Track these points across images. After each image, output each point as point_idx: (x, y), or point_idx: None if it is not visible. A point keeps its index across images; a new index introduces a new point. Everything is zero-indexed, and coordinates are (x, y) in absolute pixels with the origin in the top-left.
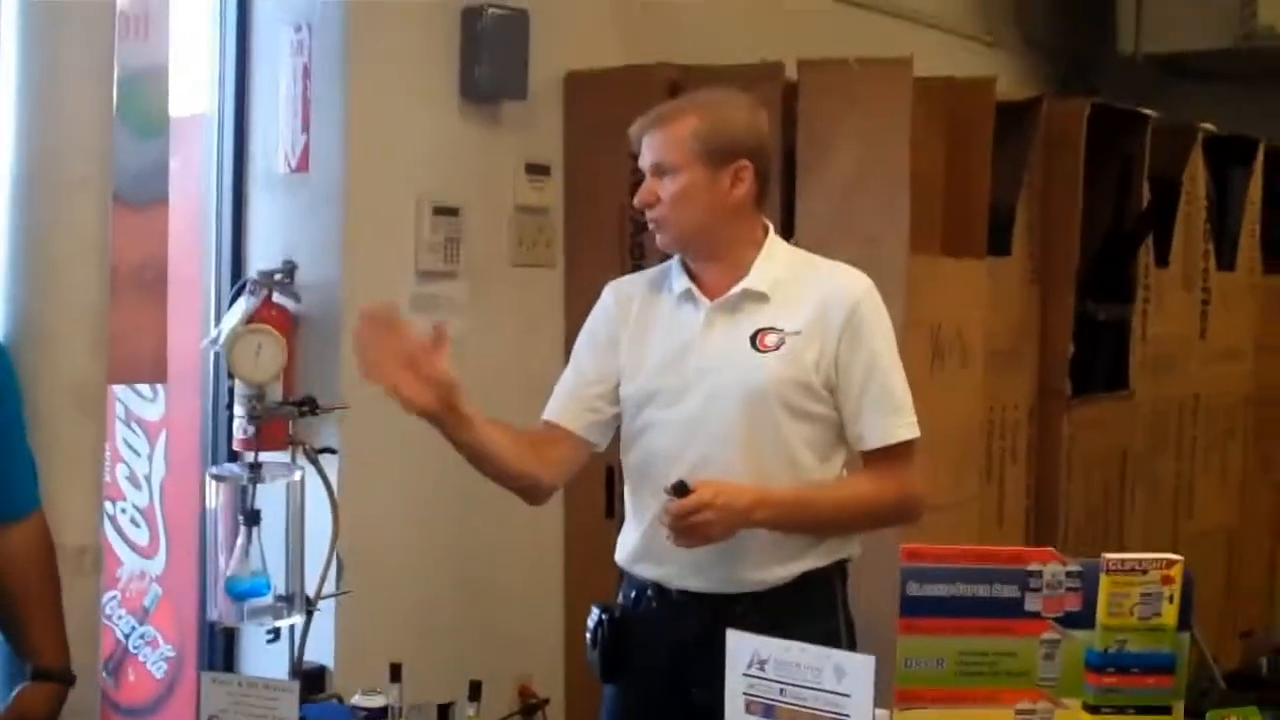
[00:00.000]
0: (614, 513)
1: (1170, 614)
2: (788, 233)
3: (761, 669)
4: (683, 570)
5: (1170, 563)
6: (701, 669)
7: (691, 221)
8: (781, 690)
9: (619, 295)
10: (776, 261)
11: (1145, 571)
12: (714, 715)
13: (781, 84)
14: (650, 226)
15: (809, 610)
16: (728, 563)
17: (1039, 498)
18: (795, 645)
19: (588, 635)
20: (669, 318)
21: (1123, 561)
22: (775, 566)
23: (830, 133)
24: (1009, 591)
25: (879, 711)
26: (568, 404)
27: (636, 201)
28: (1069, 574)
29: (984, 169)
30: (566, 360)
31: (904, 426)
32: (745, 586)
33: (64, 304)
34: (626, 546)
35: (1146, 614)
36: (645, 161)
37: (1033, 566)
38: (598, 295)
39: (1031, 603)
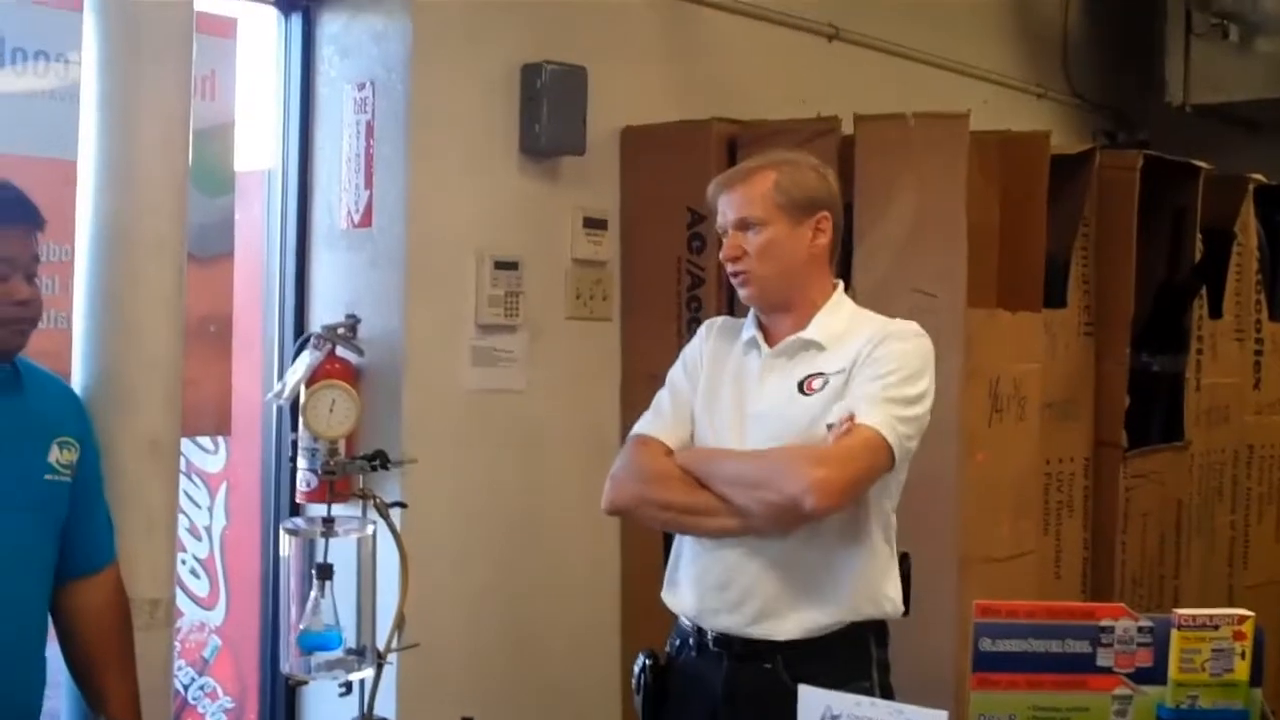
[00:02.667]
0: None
1: (1242, 669)
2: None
3: None
4: (722, 607)
5: (1242, 618)
6: (740, 716)
7: (775, 273)
8: None
9: (708, 332)
10: (838, 316)
11: (1217, 627)
12: None
13: (838, 139)
14: (734, 280)
15: (839, 669)
16: (757, 601)
17: (1095, 550)
18: (866, 700)
19: (633, 681)
20: (736, 363)
21: (1194, 617)
22: (801, 614)
23: (887, 187)
24: (1081, 647)
25: None
26: (669, 421)
27: (723, 256)
28: (1140, 629)
29: (1039, 222)
30: (623, 411)
31: (871, 422)
32: (775, 633)
33: (140, 360)
34: (674, 587)
35: (1218, 670)
36: (727, 219)
37: (1105, 622)
38: (653, 347)
39: (1103, 658)
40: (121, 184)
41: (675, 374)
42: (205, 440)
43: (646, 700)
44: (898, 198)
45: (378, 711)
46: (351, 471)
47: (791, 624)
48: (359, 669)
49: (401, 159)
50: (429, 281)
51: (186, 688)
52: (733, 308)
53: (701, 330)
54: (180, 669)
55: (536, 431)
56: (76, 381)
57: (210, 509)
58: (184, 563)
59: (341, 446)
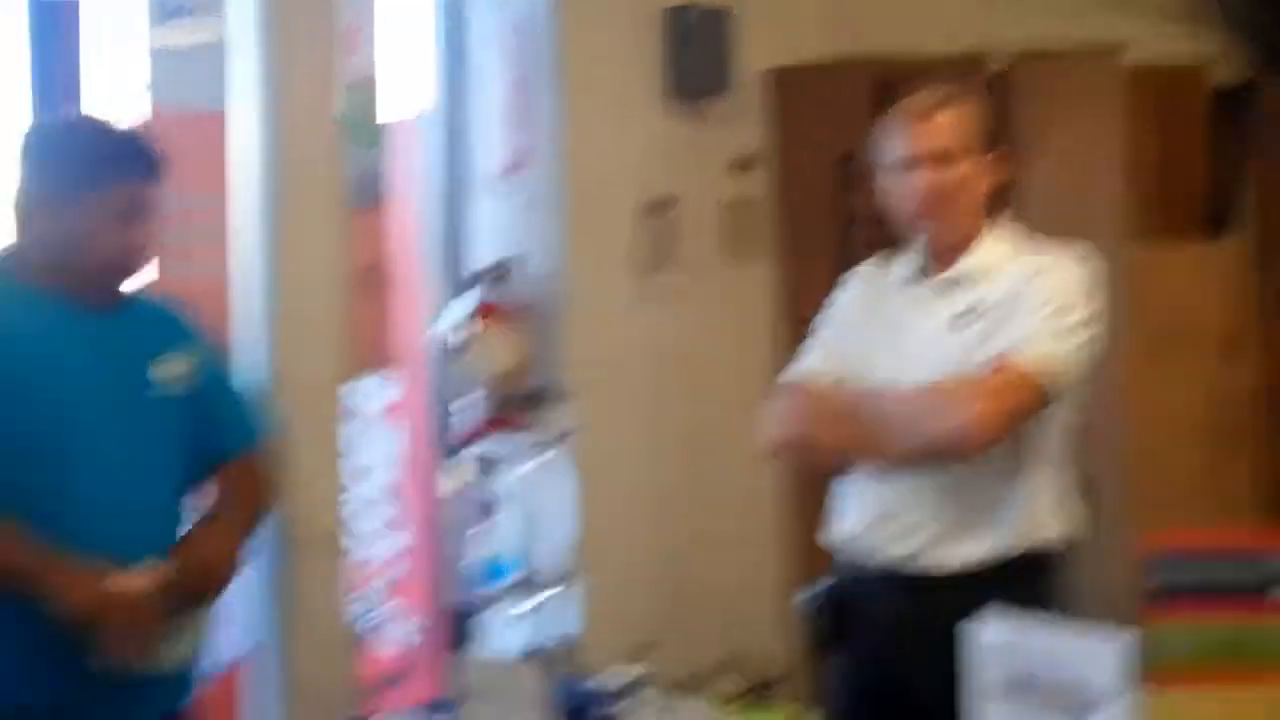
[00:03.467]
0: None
1: None
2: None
3: (1007, 651)
4: (886, 540)
5: None
6: (903, 649)
7: (962, 207)
8: (1025, 674)
9: (857, 275)
10: (1000, 248)
11: None
12: (925, 694)
13: (990, 75)
14: (916, 216)
15: (1011, 597)
16: (923, 533)
17: (1268, 484)
18: (1040, 627)
19: (804, 611)
20: (892, 299)
21: None
22: (966, 546)
23: (1042, 124)
24: (1255, 576)
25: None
26: (824, 361)
27: (907, 190)
28: None
29: (1199, 155)
30: (776, 350)
31: (1028, 356)
32: (942, 564)
33: (309, 306)
34: (838, 522)
35: None
36: (908, 152)
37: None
38: (806, 286)
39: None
40: (275, 136)
41: (828, 314)
42: (374, 379)
43: (818, 630)
44: (1053, 135)
45: (551, 637)
46: (517, 408)
47: (958, 555)
48: (534, 596)
49: (553, 104)
50: (584, 224)
51: (368, 615)
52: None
53: (850, 275)
54: (362, 599)
55: (692, 371)
56: (245, 325)
57: (378, 446)
58: (354, 498)
59: (506, 384)
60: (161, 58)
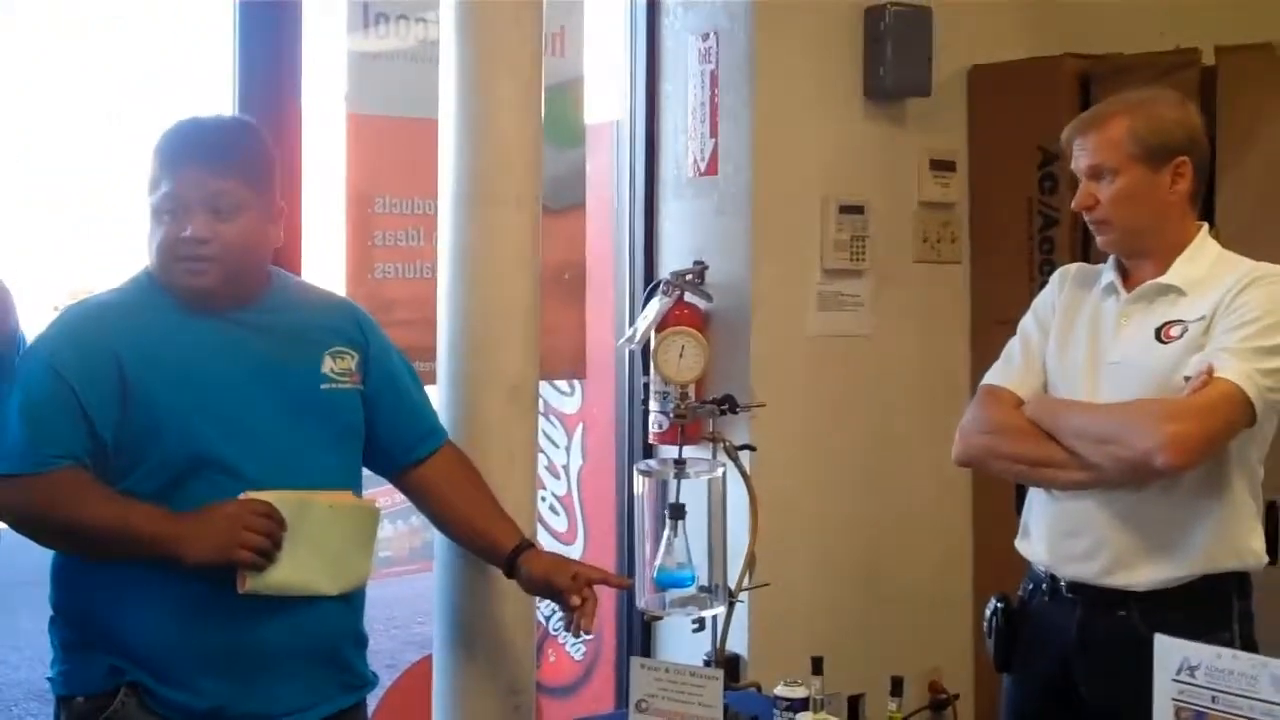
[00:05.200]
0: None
1: None
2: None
3: (1191, 675)
4: (1074, 556)
5: None
6: (1087, 666)
7: (1132, 221)
8: (1213, 698)
9: (1061, 279)
10: (1200, 260)
11: None
12: (1107, 711)
13: (1198, 71)
14: (1091, 228)
15: (1197, 620)
16: (1110, 551)
17: None
18: (1227, 652)
19: (984, 625)
20: (1091, 309)
21: None
22: (1155, 565)
23: (1251, 120)
24: None
25: None
26: (1020, 371)
27: (1075, 205)
28: None
29: None
30: (972, 356)
31: (1232, 373)
32: (1129, 583)
33: (500, 309)
34: (1028, 534)
35: None
36: (1079, 165)
37: None
38: (1003, 290)
39: None
40: (479, 140)
41: (1027, 322)
42: (562, 383)
43: (999, 643)
44: (1263, 132)
45: (729, 648)
46: (701, 415)
47: (1145, 575)
48: (711, 606)
49: (746, 107)
50: (775, 227)
51: (547, 619)
52: (1087, 250)
53: (1055, 277)
54: (541, 601)
55: (883, 377)
56: (441, 328)
57: (567, 448)
58: (543, 499)
59: (691, 390)
60: (359, 62)
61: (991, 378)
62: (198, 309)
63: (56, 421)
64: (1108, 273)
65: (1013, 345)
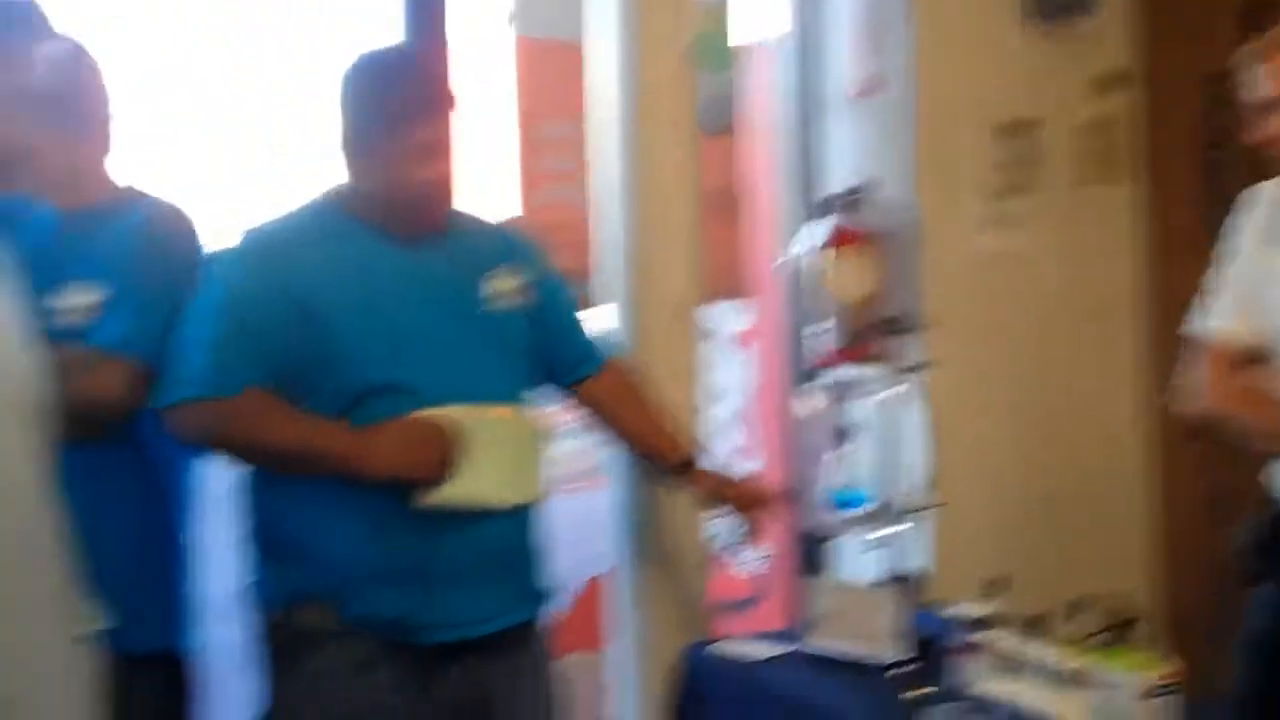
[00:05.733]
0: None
1: None
2: None
3: None
4: None
5: None
6: None
7: None
8: None
9: (1263, 194)
10: None
11: None
12: None
13: None
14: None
15: None
16: None
17: None
18: None
19: (1239, 541)
20: None
21: None
22: None
23: None
24: None
25: None
26: (1237, 314)
27: (1255, 138)
28: None
29: None
30: (1137, 275)
31: None
32: None
33: (663, 231)
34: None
35: None
36: (1261, 92)
37: None
38: (1170, 212)
39: None
40: (632, 64)
41: (1231, 245)
42: (727, 303)
43: (1245, 563)
44: None
45: (910, 567)
46: (874, 334)
47: None
48: (885, 526)
49: (908, 25)
50: (939, 147)
51: (719, 536)
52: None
53: (1254, 194)
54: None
55: (1051, 296)
56: (603, 250)
57: (735, 368)
58: (711, 420)
59: (861, 310)
60: None
61: (1206, 323)
62: (390, 238)
63: (239, 345)
64: None
65: (1222, 282)
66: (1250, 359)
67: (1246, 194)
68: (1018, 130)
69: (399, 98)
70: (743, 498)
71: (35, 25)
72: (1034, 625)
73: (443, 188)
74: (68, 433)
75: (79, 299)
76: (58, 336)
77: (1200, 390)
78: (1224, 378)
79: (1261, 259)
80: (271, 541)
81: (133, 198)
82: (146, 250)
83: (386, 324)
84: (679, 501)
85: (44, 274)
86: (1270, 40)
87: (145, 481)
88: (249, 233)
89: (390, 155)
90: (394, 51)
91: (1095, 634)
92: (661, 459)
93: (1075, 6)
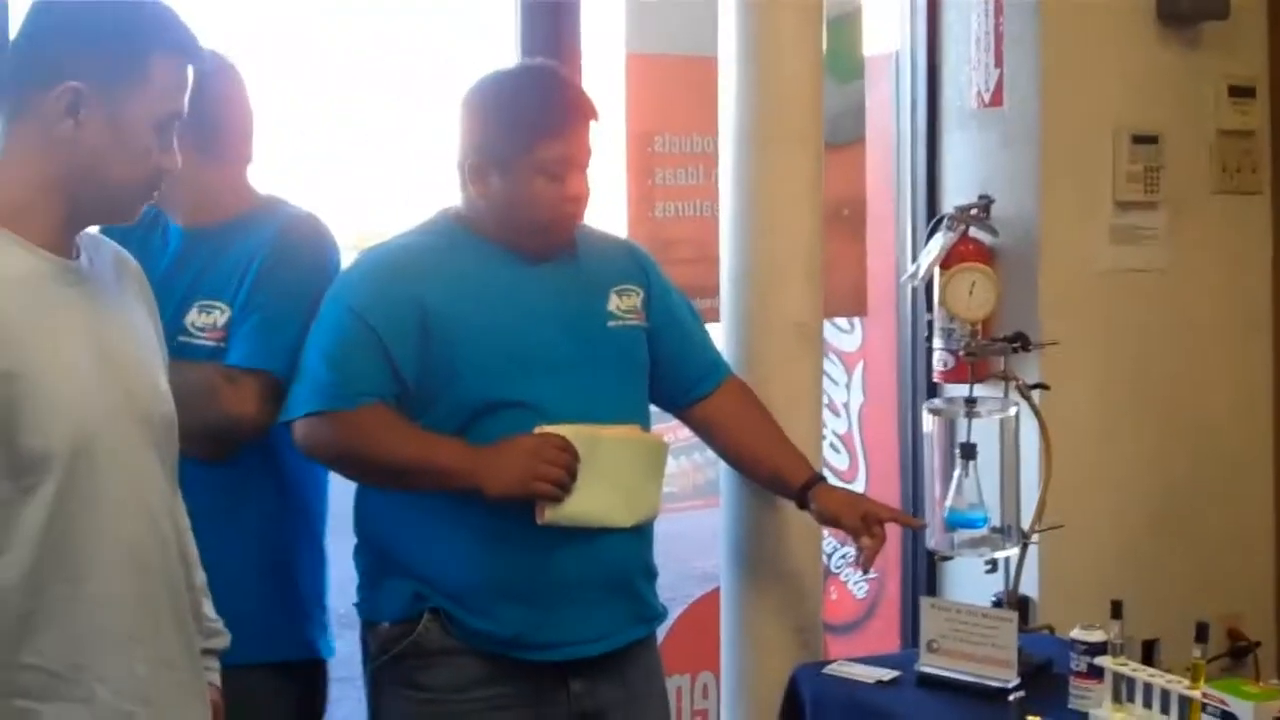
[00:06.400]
0: None
1: None
2: None
3: None
4: None
5: None
6: None
7: None
8: None
9: None
10: None
11: None
12: None
13: None
14: None
15: None
16: None
17: None
18: None
19: None
20: None
21: None
22: None
23: None
24: None
25: None
26: None
27: None
28: None
29: None
30: (1275, 289)
31: None
32: None
33: (784, 246)
34: None
35: None
36: None
37: None
38: None
39: None
40: (760, 77)
41: None
42: (841, 320)
43: None
44: None
45: (1021, 590)
46: (992, 353)
47: None
48: (1003, 548)
49: (1032, 34)
50: (1064, 159)
51: (830, 556)
52: None
53: None
54: (825, 539)
55: (1180, 312)
56: (724, 267)
57: (848, 386)
58: (824, 438)
59: (979, 327)
60: (637, 3)
61: None
62: (513, 257)
63: (361, 361)
64: None
65: None
66: None
67: None
68: (1147, 140)
69: (536, 111)
70: (866, 521)
71: (186, 43)
72: (1150, 649)
73: (578, 205)
74: (204, 451)
75: (210, 317)
76: (192, 355)
77: None
78: None
79: None
80: (386, 556)
81: (269, 209)
82: (276, 263)
83: (509, 340)
84: (791, 520)
85: (174, 292)
86: None
87: (281, 496)
88: (369, 250)
89: (524, 171)
90: (528, 68)
91: (1216, 657)
92: (783, 479)
93: (1208, 10)
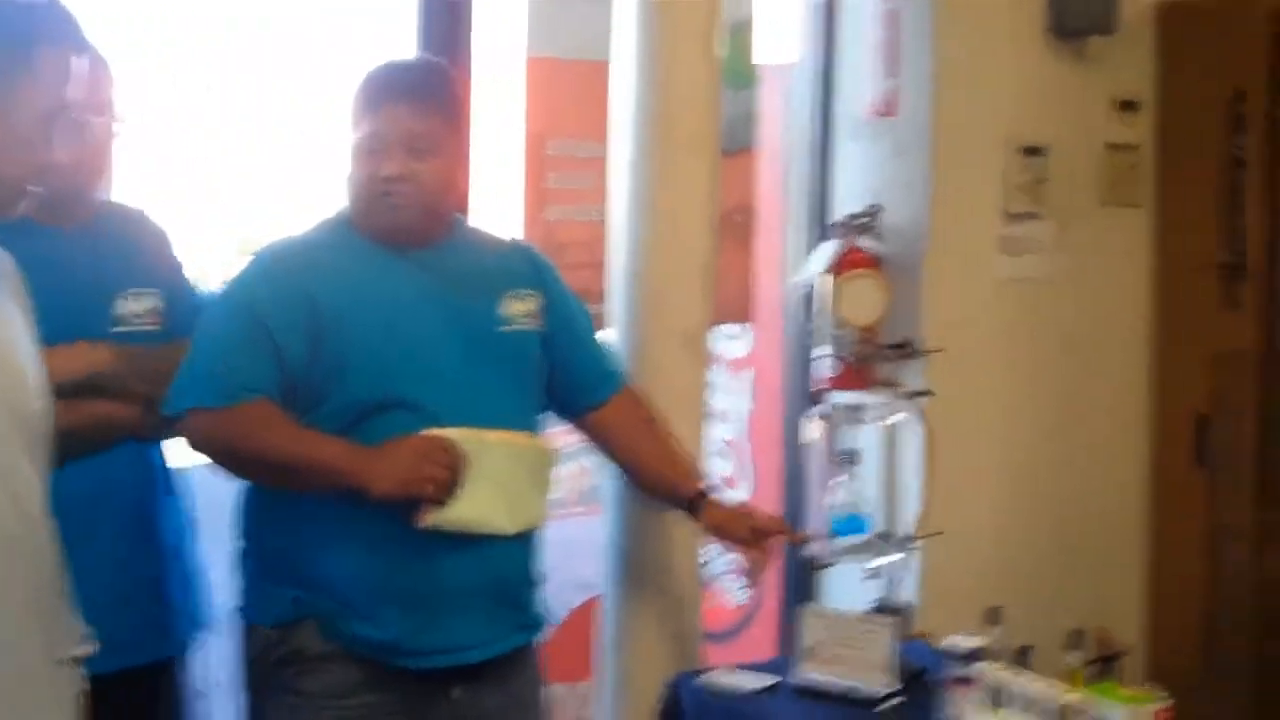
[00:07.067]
0: (1204, 461)
1: None
2: None
3: None
4: None
5: None
6: None
7: None
8: None
9: None
10: None
11: None
12: None
13: None
14: None
15: None
16: None
17: None
18: None
19: None
20: None
21: None
22: None
23: None
24: None
25: None
26: None
27: None
28: None
29: None
30: (1155, 301)
31: None
32: None
33: (675, 254)
34: None
35: None
36: None
37: None
38: (1189, 235)
39: None
40: (656, 83)
41: None
42: (732, 327)
43: None
44: None
45: (901, 597)
46: (878, 360)
47: None
48: (884, 554)
49: (925, 46)
50: (953, 169)
51: (708, 564)
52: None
53: None
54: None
55: (1066, 323)
56: (615, 272)
57: (734, 393)
58: (711, 444)
59: (867, 334)
60: (538, 6)
61: None
62: (389, 251)
63: (248, 355)
64: None
65: None
66: None
67: None
68: (1034, 152)
69: (360, 91)
70: (754, 534)
71: (71, 36)
72: (1024, 655)
73: (392, 185)
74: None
75: (143, 304)
76: (139, 340)
77: None
78: None
79: None
80: (266, 558)
81: (112, 203)
82: (163, 251)
83: (398, 340)
84: (673, 529)
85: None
86: None
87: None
88: (265, 247)
89: (355, 152)
90: (389, 59)
91: (1086, 664)
92: (673, 490)
93: (1096, 25)
